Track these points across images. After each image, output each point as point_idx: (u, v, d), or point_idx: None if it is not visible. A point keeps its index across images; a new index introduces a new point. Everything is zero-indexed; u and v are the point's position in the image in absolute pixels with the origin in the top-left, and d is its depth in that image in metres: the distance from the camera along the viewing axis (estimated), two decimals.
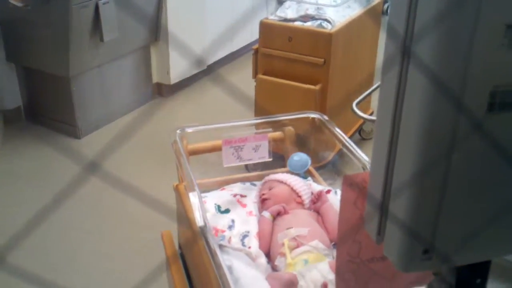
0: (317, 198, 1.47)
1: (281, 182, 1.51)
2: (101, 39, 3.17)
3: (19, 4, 3.01)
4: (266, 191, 1.50)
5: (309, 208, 1.48)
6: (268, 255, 1.36)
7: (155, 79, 3.87)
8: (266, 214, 1.41)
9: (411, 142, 0.58)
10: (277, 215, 1.41)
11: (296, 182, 1.51)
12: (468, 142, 0.58)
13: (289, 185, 1.50)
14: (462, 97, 0.55)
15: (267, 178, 1.56)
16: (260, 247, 1.36)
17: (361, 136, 3.29)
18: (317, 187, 1.58)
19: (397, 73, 0.59)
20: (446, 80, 0.54)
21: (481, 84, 0.56)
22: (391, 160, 0.62)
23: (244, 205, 1.49)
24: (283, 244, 1.31)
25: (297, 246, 1.30)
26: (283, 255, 1.30)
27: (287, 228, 1.35)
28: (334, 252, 1.35)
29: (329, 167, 2.59)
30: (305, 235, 1.32)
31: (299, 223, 1.37)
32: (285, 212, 1.42)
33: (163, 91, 3.92)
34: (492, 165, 0.60)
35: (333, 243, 1.38)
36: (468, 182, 0.60)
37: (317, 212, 1.46)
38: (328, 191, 1.54)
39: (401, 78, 0.58)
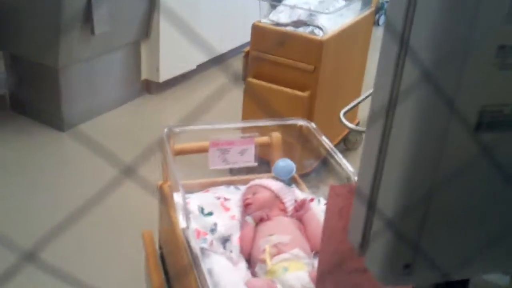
0: (300, 206, 1.47)
1: (265, 187, 1.52)
2: (92, 32, 3.15)
3: None
4: (250, 195, 1.50)
5: (291, 216, 1.48)
6: (248, 260, 1.36)
7: (144, 75, 3.85)
8: (249, 219, 1.41)
9: (399, 152, 0.58)
10: (259, 221, 1.42)
11: (280, 188, 1.52)
12: (455, 160, 0.58)
13: (273, 191, 1.50)
14: (451, 115, 0.56)
15: (252, 183, 1.56)
16: (241, 252, 1.36)
17: (346, 146, 3.30)
18: (300, 195, 1.58)
19: (389, 87, 0.59)
20: (436, 96, 0.55)
21: (470, 102, 0.56)
22: (378, 173, 0.63)
23: (227, 209, 1.49)
24: (264, 251, 1.31)
25: (278, 253, 1.30)
26: (264, 261, 1.30)
27: (269, 235, 1.35)
28: (315, 261, 1.35)
29: (313, 175, 2.60)
30: (287, 243, 1.32)
31: (281, 230, 1.37)
32: (268, 218, 1.42)
33: (152, 88, 3.90)
34: (477, 184, 0.61)
35: (314, 252, 1.38)
36: (452, 200, 0.61)
37: (300, 220, 1.47)
38: (312, 200, 1.54)
39: (392, 94, 0.59)
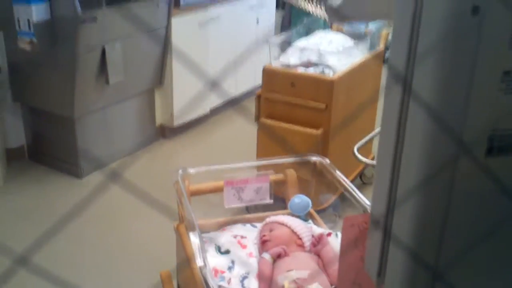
0: (318, 241, 1.47)
1: (282, 224, 1.51)
2: (107, 82, 3.22)
3: (28, 49, 3.08)
4: (267, 232, 1.49)
5: (309, 251, 1.47)
6: None
7: (159, 121, 3.91)
8: (267, 256, 1.41)
9: (411, 179, 0.59)
10: (277, 257, 1.41)
11: (296, 224, 1.51)
12: (467, 185, 0.59)
13: (289, 227, 1.50)
14: (461, 140, 0.56)
15: (268, 219, 1.56)
16: None
17: (362, 181, 3.29)
18: (317, 230, 1.58)
19: (397, 112, 0.60)
20: (446, 122, 0.55)
21: (479, 128, 0.57)
22: (392, 201, 0.63)
23: (244, 246, 1.49)
24: (283, 287, 1.30)
25: None
26: None
27: (288, 271, 1.34)
28: None
29: (329, 210, 2.60)
30: (306, 278, 1.31)
31: (300, 265, 1.36)
32: (286, 254, 1.42)
33: (166, 133, 3.95)
34: (491, 207, 0.61)
35: (333, 286, 1.37)
36: (467, 224, 0.61)
37: (318, 255, 1.46)
38: (329, 234, 1.54)
39: (400, 121, 0.60)
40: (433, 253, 0.61)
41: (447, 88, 0.55)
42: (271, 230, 1.50)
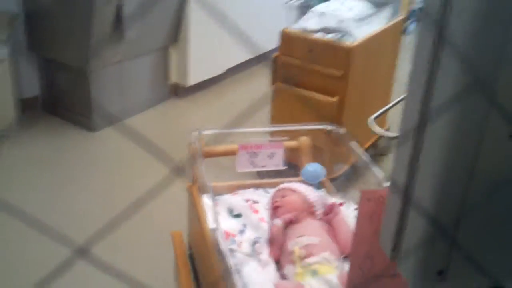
0: (330, 210, 1.47)
1: (294, 191, 1.51)
2: (122, 36, 3.20)
3: None
4: (279, 198, 1.50)
5: (320, 219, 1.48)
6: (277, 262, 1.37)
7: (173, 79, 3.89)
8: (278, 222, 1.41)
9: (435, 153, 0.58)
10: (288, 224, 1.42)
11: (309, 192, 1.51)
12: (490, 166, 0.58)
13: (302, 195, 1.50)
14: (485, 124, 0.56)
15: (281, 186, 1.56)
16: (270, 254, 1.36)
17: (375, 151, 3.28)
18: (329, 199, 1.58)
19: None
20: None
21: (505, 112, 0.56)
22: (411, 175, 0.63)
23: (256, 211, 1.50)
24: (293, 252, 1.32)
25: (307, 256, 1.30)
26: (293, 263, 1.30)
27: (298, 236, 1.35)
28: (344, 265, 1.35)
29: (342, 179, 2.60)
30: (316, 244, 1.32)
31: (311, 232, 1.37)
32: (297, 221, 1.42)
33: (180, 92, 3.94)
34: None
35: (343, 255, 1.38)
36: (486, 207, 0.61)
37: (329, 223, 1.47)
38: (341, 204, 1.54)
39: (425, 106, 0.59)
40: (449, 234, 0.61)
41: (481, 42, 0.53)
42: (283, 197, 1.50)
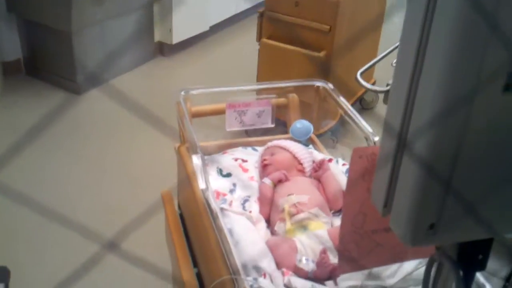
0: (319, 166, 1.48)
1: (283, 148, 1.51)
2: None
3: None
4: (268, 156, 1.50)
5: (310, 176, 1.49)
6: (268, 220, 1.38)
7: (157, 37, 3.83)
8: (267, 180, 1.42)
9: (427, 104, 0.57)
10: (278, 182, 1.42)
11: (298, 149, 1.51)
12: (483, 117, 0.58)
13: (291, 152, 1.50)
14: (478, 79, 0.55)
15: (269, 144, 1.56)
16: (260, 212, 1.37)
17: (362, 106, 3.28)
18: (318, 155, 1.58)
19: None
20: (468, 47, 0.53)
21: (500, 62, 0.55)
22: (406, 119, 0.62)
23: (245, 170, 1.50)
24: (283, 210, 1.32)
25: (297, 213, 1.31)
26: (283, 220, 1.31)
27: (288, 195, 1.36)
28: (334, 220, 1.36)
29: (328, 134, 2.61)
30: (306, 202, 1.33)
31: (300, 190, 1.37)
32: (286, 179, 1.43)
33: (165, 50, 3.88)
34: (505, 142, 0.60)
35: (332, 211, 1.39)
36: (479, 157, 0.60)
37: (318, 180, 1.47)
38: (330, 160, 1.54)
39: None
40: (441, 187, 0.61)
41: (471, 16, 0.52)
42: (272, 154, 1.50)
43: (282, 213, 1.32)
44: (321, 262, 1.19)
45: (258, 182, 1.47)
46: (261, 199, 1.39)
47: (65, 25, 3.08)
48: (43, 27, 3.20)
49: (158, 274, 1.97)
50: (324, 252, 1.21)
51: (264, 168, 1.48)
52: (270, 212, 1.38)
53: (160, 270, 1.99)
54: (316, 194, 1.38)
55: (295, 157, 1.49)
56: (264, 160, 1.49)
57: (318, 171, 1.47)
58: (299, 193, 1.36)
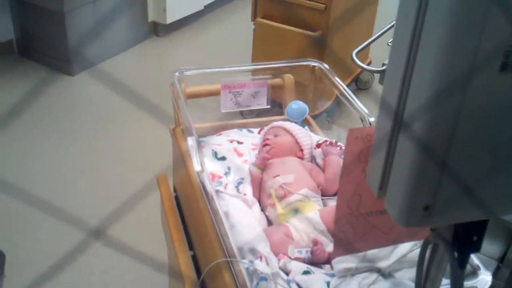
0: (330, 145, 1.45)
1: (287, 131, 1.49)
2: None
3: None
4: (271, 136, 1.47)
5: (310, 161, 1.47)
6: (260, 203, 1.37)
7: (151, 17, 3.79)
8: (252, 167, 1.39)
9: (424, 84, 0.57)
10: (264, 165, 1.40)
11: (302, 135, 1.48)
12: (479, 97, 0.57)
13: (294, 137, 1.47)
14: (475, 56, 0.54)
15: (275, 123, 1.53)
16: (254, 195, 1.36)
17: (357, 86, 3.27)
18: (316, 138, 1.56)
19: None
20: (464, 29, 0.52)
21: (496, 42, 0.55)
22: (401, 107, 0.61)
23: (240, 154, 1.48)
24: (271, 195, 1.31)
25: (285, 195, 1.30)
26: (273, 206, 1.30)
27: (274, 176, 1.34)
28: (324, 201, 1.35)
29: (323, 115, 2.60)
30: (291, 182, 1.31)
31: (286, 170, 1.36)
32: (270, 157, 1.40)
33: (159, 30, 3.85)
34: (503, 124, 0.60)
35: (320, 187, 1.37)
36: (475, 139, 0.60)
37: (315, 161, 1.46)
38: (341, 148, 1.50)
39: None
40: (436, 170, 0.61)
41: None
42: (276, 135, 1.48)
43: (271, 198, 1.31)
44: (315, 252, 1.19)
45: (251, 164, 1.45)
46: (252, 184, 1.38)
47: (57, 5, 3.05)
48: (35, 7, 3.17)
49: (152, 263, 1.99)
50: (315, 243, 1.20)
51: (263, 147, 1.46)
52: (260, 198, 1.37)
53: (155, 258, 2.00)
54: (303, 173, 1.37)
55: (297, 142, 1.47)
56: (267, 139, 1.47)
57: (328, 147, 1.43)
58: (285, 173, 1.34)
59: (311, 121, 1.70)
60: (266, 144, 1.45)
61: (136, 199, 2.30)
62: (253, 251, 1.15)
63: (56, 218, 2.26)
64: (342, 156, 1.41)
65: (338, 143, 1.49)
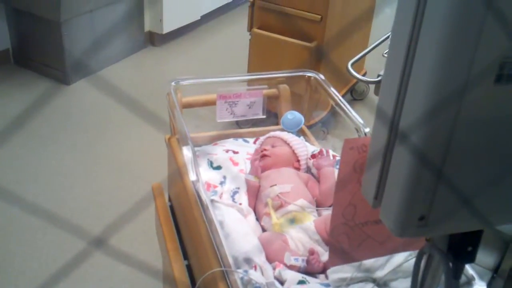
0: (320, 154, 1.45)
1: (285, 142, 1.49)
2: None
3: None
4: (269, 147, 1.48)
5: (306, 172, 1.47)
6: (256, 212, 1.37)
7: (147, 27, 3.80)
8: (249, 176, 1.40)
9: (420, 95, 0.57)
10: (261, 173, 1.40)
11: (298, 146, 1.49)
12: (474, 108, 0.57)
13: (291, 148, 1.48)
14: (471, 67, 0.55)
15: (272, 133, 1.54)
16: (249, 205, 1.36)
17: (352, 97, 3.28)
18: (311, 148, 1.57)
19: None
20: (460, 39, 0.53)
21: (492, 54, 0.55)
22: (396, 118, 0.62)
23: (236, 164, 1.48)
24: (267, 204, 1.31)
25: (282, 205, 1.30)
26: (268, 215, 1.30)
27: (271, 186, 1.35)
28: (319, 211, 1.35)
29: (318, 126, 2.60)
30: (288, 192, 1.32)
31: (283, 180, 1.36)
32: (267, 167, 1.41)
33: (155, 40, 3.86)
34: (496, 133, 0.60)
35: (315, 198, 1.37)
36: (471, 150, 0.60)
37: (311, 173, 1.46)
38: (334, 156, 1.50)
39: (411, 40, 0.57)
40: (431, 180, 0.61)
41: (463, 9, 0.52)
42: (273, 146, 1.48)
43: (266, 207, 1.31)
44: (311, 262, 1.19)
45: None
46: (248, 193, 1.38)
47: (54, 14, 3.05)
48: (32, 16, 3.17)
49: (148, 272, 1.98)
50: (312, 253, 1.20)
51: (262, 158, 1.46)
52: (255, 207, 1.37)
53: (150, 267, 1.99)
54: (300, 184, 1.37)
55: (294, 153, 1.48)
56: (264, 149, 1.47)
57: (320, 160, 1.44)
58: (281, 183, 1.34)
59: (307, 131, 1.70)
60: (265, 155, 1.45)
61: (134, 211, 2.29)
62: (248, 260, 1.14)
63: (52, 226, 2.25)
64: (337, 166, 1.41)
65: (332, 153, 1.49)
